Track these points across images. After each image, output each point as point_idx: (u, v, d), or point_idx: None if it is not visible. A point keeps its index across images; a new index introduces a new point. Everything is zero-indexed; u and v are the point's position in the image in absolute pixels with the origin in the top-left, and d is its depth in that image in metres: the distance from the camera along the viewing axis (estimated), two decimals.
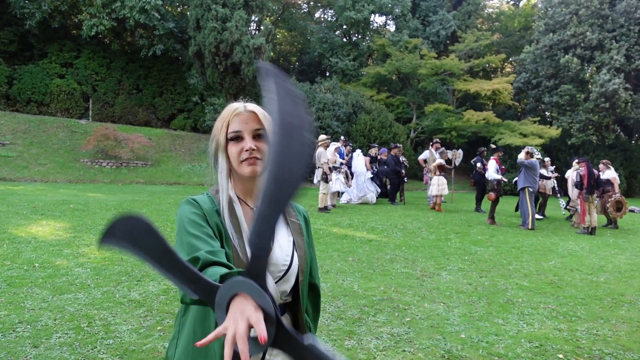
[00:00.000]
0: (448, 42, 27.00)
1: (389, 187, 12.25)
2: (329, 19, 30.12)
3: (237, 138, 1.24)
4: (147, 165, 16.38)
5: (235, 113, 1.26)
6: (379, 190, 11.99)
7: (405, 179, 12.24)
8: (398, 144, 12.56)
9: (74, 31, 22.02)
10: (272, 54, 19.84)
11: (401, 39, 24.51)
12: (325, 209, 9.86)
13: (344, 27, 27.28)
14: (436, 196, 11.10)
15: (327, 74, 25.89)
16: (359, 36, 27.86)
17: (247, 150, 1.22)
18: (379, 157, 12.32)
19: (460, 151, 13.04)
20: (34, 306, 3.73)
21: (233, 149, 1.24)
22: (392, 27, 29.28)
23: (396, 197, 12.22)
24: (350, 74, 25.43)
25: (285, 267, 1.25)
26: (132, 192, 12.36)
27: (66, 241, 6.03)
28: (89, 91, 21.03)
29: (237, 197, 1.29)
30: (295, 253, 1.29)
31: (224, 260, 1.04)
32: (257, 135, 1.25)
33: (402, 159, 12.19)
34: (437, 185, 10.98)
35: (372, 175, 11.69)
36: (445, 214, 10.68)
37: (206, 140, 19.58)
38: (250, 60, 18.53)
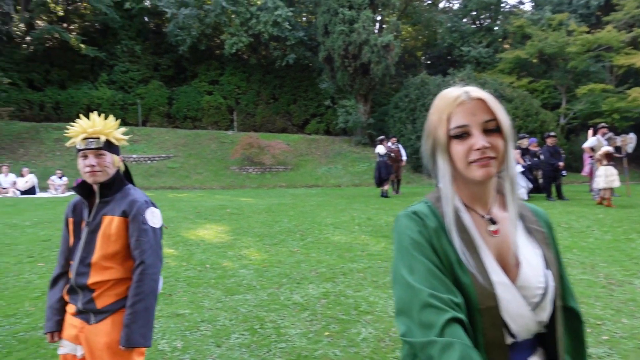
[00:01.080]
0: (600, 13, 23.62)
1: (540, 181, 11.03)
2: (455, 7, 28.60)
3: (463, 134, 1.01)
4: (288, 170, 17.26)
5: (458, 102, 1.02)
6: (530, 185, 10.86)
7: (564, 172, 10.89)
8: (552, 133, 11.23)
9: (217, 51, 24.28)
10: (399, 50, 19.43)
11: (542, 17, 22.13)
12: None
13: (473, 13, 25.59)
14: (604, 189, 9.63)
15: (459, 64, 24.54)
16: (490, 20, 25.88)
17: (477, 150, 0.98)
18: (529, 148, 11.17)
19: (632, 136, 11.17)
20: (212, 306, 4.01)
21: (458, 147, 1.01)
22: (527, 6, 26.68)
23: (551, 191, 10.95)
24: (484, 62, 23.78)
25: (541, 290, 1.00)
26: (277, 195, 13.08)
27: (228, 243, 6.50)
28: (233, 104, 22.99)
29: (464, 204, 1.07)
30: (548, 270, 1.04)
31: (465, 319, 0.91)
32: (489, 129, 1.00)
33: (558, 149, 10.87)
34: (605, 176, 9.51)
35: (522, 170, 10.63)
36: (618, 210, 9.21)
37: (340, 143, 19.99)
38: (379, 58, 18.39)
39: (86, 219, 1.87)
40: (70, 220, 1.94)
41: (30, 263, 5.49)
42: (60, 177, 13.35)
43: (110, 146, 1.88)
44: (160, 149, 17.92)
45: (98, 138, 1.84)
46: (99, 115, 1.90)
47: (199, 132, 20.28)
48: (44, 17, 23.82)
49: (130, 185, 1.97)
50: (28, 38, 22.77)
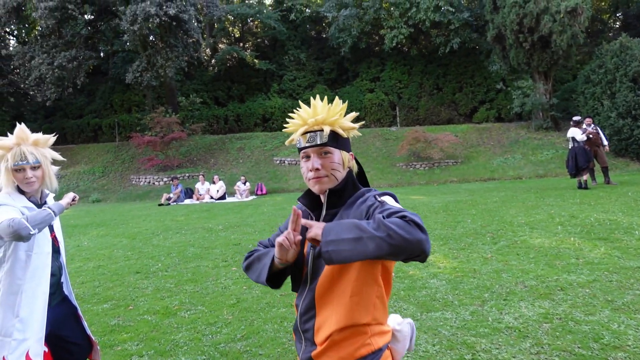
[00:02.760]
0: None
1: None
2: None
3: None
4: (458, 163, 16.07)
5: None
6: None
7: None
8: None
9: (376, 48, 24.11)
10: (588, 13, 16.45)
11: None
12: None
13: None
14: None
15: None
16: None
17: None
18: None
19: None
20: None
21: None
22: None
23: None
24: None
25: None
26: (450, 192, 12.14)
27: None
28: (395, 99, 22.53)
29: None
30: None
31: None
32: None
33: None
34: None
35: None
36: None
37: (516, 130, 17.90)
38: (563, 27, 15.84)
39: None
40: None
41: (225, 267, 5.80)
42: (243, 183, 14.62)
43: (337, 140, 1.44)
44: None
45: (321, 130, 1.42)
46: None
47: (363, 130, 20.33)
48: (224, 40, 26.83)
49: (365, 189, 1.48)
50: (213, 61, 25.91)
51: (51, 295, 2.33)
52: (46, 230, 2.31)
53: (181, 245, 7.31)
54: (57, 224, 2.48)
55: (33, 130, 2.32)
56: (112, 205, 15.19)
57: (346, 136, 1.47)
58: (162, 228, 9.15)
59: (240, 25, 27.41)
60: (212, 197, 14.18)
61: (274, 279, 1.45)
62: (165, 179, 17.35)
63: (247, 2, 26.80)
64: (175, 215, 11.03)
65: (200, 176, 15.15)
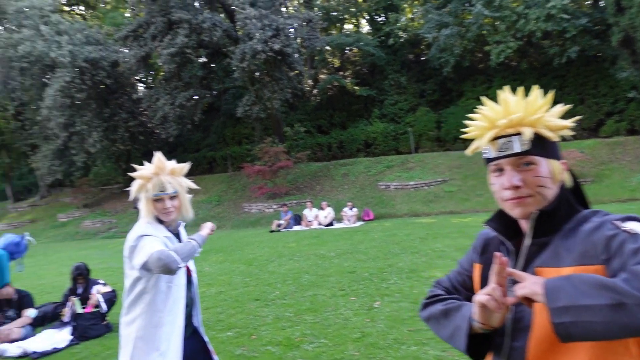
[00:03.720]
0: None
1: None
2: None
3: None
4: (588, 183, 14.36)
5: None
6: None
7: None
8: None
9: (481, 65, 22.99)
10: None
11: None
12: None
13: None
14: None
15: None
16: None
17: None
18: None
19: None
20: None
21: None
22: None
23: None
24: None
25: None
26: None
27: None
28: None
29: None
30: None
31: None
32: None
33: None
34: None
35: None
36: None
37: None
38: None
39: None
40: (477, 266, 1.23)
41: (343, 297, 5.60)
42: (350, 209, 14.51)
43: (543, 145, 1.08)
44: (435, 174, 17.70)
45: (519, 134, 1.08)
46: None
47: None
48: (324, 71, 27.61)
49: (588, 212, 1.10)
50: (315, 90, 26.73)
51: (184, 327, 2.28)
52: None
53: (296, 272, 7.29)
54: None
55: None
56: (227, 232, 16.01)
57: (555, 139, 1.11)
58: (275, 254, 9.29)
59: (339, 54, 28.06)
60: (320, 224, 14.25)
61: (475, 347, 1.10)
62: (274, 206, 17.92)
63: (345, 31, 27.42)
64: (286, 241, 11.20)
65: (308, 202, 15.37)
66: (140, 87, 27.75)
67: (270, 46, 17.70)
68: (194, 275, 2.45)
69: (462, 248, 7.40)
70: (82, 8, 31.62)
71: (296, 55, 19.36)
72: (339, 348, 3.94)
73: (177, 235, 2.35)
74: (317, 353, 3.90)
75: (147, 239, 2.10)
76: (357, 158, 21.33)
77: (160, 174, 2.19)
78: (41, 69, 21.39)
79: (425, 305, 1.25)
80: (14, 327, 5.39)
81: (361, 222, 14.26)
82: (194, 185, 2.35)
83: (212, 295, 6.41)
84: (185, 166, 2.31)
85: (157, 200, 2.19)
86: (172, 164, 2.26)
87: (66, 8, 29.93)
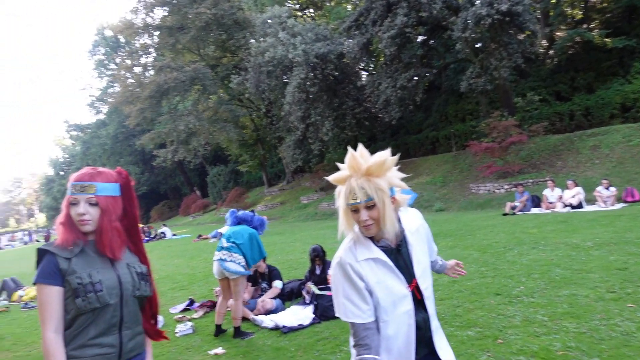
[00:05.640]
0: None
1: None
2: None
3: None
4: None
5: None
6: None
7: None
8: None
9: None
10: None
11: None
12: None
13: None
14: None
15: None
16: None
17: None
18: None
19: None
20: None
21: None
22: None
23: None
24: None
25: None
26: None
27: None
28: None
29: None
30: None
31: None
32: None
33: None
34: None
35: None
36: None
37: None
38: None
39: None
40: None
41: (615, 301, 4.41)
42: (606, 188, 11.95)
43: None
44: None
45: None
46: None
47: None
48: (562, 27, 23.59)
49: None
50: (550, 52, 23.15)
51: None
52: None
53: (543, 265, 6.22)
54: None
55: (381, 148, 1.71)
56: (454, 214, 15.29)
57: None
58: (514, 241, 8.24)
59: (581, 3, 23.53)
60: (566, 206, 12.18)
61: None
62: (506, 186, 16.27)
63: None
64: (525, 226, 9.89)
65: (549, 182, 13.33)
66: (364, 74, 28.97)
67: (496, 8, 15.96)
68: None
69: None
70: (311, 10, 34.80)
71: (527, 13, 16.95)
72: None
73: (398, 247, 1.77)
74: None
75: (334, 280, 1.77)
76: (611, 126, 17.55)
77: (354, 175, 1.67)
78: (282, 70, 24.41)
79: None
80: (267, 298, 6.06)
81: (622, 204, 11.60)
82: (401, 183, 1.74)
83: (445, 284, 5.98)
84: (388, 159, 1.68)
85: (354, 210, 1.69)
86: (372, 159, 1.67)
87: (299, 13, 33.45)
